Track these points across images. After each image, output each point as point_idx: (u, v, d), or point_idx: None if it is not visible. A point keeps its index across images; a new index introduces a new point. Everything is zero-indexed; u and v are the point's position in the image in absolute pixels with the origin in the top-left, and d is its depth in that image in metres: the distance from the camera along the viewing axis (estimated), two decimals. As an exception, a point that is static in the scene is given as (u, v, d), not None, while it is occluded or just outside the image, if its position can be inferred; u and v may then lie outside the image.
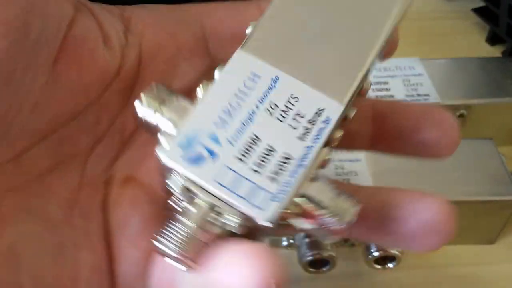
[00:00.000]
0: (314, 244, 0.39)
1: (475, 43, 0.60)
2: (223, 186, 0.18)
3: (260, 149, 0.19)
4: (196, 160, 0.19)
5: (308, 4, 0.21)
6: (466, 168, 0.41)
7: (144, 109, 0.21)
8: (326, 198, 0.19)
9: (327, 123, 0.19)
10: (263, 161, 0.19)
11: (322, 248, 0.39)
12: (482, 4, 0.59)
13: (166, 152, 0.19)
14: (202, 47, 0.24)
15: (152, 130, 0.21)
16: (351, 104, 0.20)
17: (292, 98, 0.20)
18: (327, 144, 0.20)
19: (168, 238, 0.19)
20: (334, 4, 0.22)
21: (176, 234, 0.19)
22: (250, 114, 0.19)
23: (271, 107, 0.20)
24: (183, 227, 0.19)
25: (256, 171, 0.19)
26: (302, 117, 0.19)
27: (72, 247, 0.20)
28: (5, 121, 0.19)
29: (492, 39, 0.59)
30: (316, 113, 0.20)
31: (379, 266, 0.40)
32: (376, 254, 0.39)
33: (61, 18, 0.20)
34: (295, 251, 0.40)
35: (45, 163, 0.21)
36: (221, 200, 0.18)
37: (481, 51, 0.58)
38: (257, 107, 0.20)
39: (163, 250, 0.18)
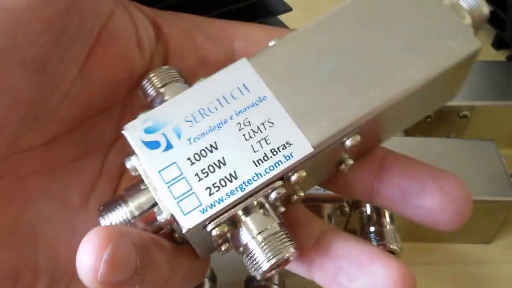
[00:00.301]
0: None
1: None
2: (163, 179, 0.19)
3: (212, 158, 0.19)
4: (152, 145, 0.19)
5: (339, 38, 0.20)
6: (467, 168, 0.42)
7: (147, 88, 0.21)
8: (263, 231, 0.19)
9: (288, 159, 0.19)
10: (210, 170, 0.19)
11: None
12: (489, 8, 0.59)
13: (131, 129, 0.19)
14: (228, 62, 0.23)
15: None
16: (328, 150, 0.20)
17: (267, 122, 0.19)
18: (283, 179, 0.19)
19: (109, 214, 0.20)
20: (368, 43, 0.20)
21: (116, 213, 0.20)
22: (221, 121, 0.19)
23: (243, 123, 0.19)
24: (125, 208, 0.20)
25: (199, 177, 0.19)
26: (267, 143, 0.19)
27: (85, 232, 0.21)
28: (36, 106, 0.19)
29: (498, 44, 0.59)
30: (282, 145, 0.19)
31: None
32: (375, 248, 0.39)
33: (98, 15, 0.20)
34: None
35: (72, 151, 0.22)
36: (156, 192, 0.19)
37: (486, 55, 0.59)
38: (231, 117, 0.19)
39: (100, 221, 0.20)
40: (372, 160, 0.22)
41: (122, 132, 0.20)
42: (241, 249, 0.19)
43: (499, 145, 0.44)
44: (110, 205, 0.20)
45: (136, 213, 0.20)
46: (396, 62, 0.20)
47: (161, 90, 0.21)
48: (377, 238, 0.39)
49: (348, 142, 0.20)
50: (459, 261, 0.43)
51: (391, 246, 0.39)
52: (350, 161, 0.21)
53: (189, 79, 0.22)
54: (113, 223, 0.20)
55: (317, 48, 0.20)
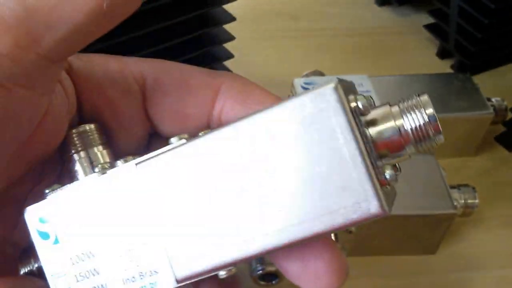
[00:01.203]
0: (263, 259, 0.41)
1: (426, 57, 0.62)
2: (49, 270, 0.20)
3: (89, 264, 0.20)
4: (44, 236, 0.20)
5: (235, 164, 0.18)
6: (408, 182, 0.43)
7: (68, 145, 0.22)
8: None
9: (151, 287, 0.19)
10: (86, 275, 0.20)
11: (271, 263, 0.40)
12: (433, 20, 0.61)
13: (30, 214, 0.21)
14: (141, 115, 0.23)
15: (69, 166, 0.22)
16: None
17: (142, 243, 0.19)
18: None
19: (22, 262, 0.22)
20: (265, 179, 0.18)
21: (26, 262, 0.22)
22: (111, 233, 0.20)
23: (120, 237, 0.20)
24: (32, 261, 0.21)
25: (77, 279, 0.20)
26: (137, 265, 0.19)
27: None
28: None
29: (442, 54, 0.61)
30: (149, 271, 0.19)
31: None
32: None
33: (35, 117, 0.20)
34: (247, 264, 0.42)
35: None
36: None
37: (432, 65, 0.61)
38: (112, 226, 0.20)
39: None
40: None
41: (24, 214, 0.21)
42: None
43: (439, 156, 0.45)
44: (24, 254, 0.22)
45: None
46: (280, 210, 0.18)
47: (78, 155, 0.22)
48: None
49: (222, 273, 0.19)
50: (406, 272, 0.44)
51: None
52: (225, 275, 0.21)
53: (107, 137, 0.23)
54: (25, 271, 0.21)
55: (211, 172, 0.18)
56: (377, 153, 0.18)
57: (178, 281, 0.19)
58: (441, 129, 0.17)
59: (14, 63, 0.18)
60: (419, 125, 0.17)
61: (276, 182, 0.17)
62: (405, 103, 0.18)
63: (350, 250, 0.43)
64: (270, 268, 0.40)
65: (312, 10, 0.69)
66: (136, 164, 0.19)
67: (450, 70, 0.60)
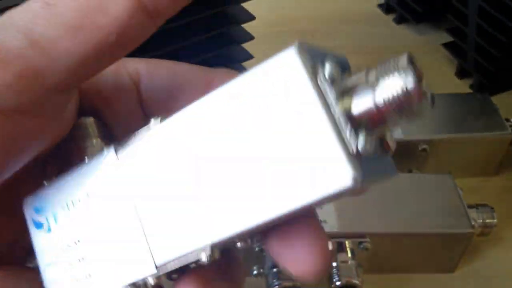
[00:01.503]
0: (281, 274, 0.41)
1: (445, 76, 0.62)
2: (43, 259, 0.21)
3: (77, 252, 0.20)
4: (38, 225, 0.21)
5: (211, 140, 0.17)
6: (426, 202, 0.43)
7: (71, 137, 0.22)
8: None
9: (133, 273, 0.19)
10: (74, 263, 0.20)
11: (288, 278, 0.41)
12: (452, 38, 0.61)
13: (27, 204, 0.21)
14: (138, 112, 0.23)
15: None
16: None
17: (124, 229, 0.19)
18: None
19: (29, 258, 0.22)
20: (238, 160, 0.16)
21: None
22: (95, 220, 0.20)
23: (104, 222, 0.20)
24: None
25: (66, 267, 0.20)
26: (120, 251, 0.19)
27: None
28: None
29: (461, 73, 0.61)
30: (130, 259, 0.19)
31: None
32: (338, 283, 0.41)
33: (46, 139, 0.20)
34: (264, 279, 0.43)
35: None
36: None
37: (450, 84, 0.61)
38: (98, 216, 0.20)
39: None
40: None
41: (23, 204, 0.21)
42: None
43: (457, 175, 0.45)
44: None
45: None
46: (255, 187, 0.16)
47: (77, 149, 0.22)
48: (338, 273, 0.40)
49: (203, 257, 0.18)
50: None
51: (353, 281, 0.40)
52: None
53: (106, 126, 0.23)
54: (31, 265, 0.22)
55: (183, 155, 0.18)
56: (354, 124, 0.15)
57: (157, 267, 0.19)
58: (426, 96, 0.15)
59: (18, 94, 0.18)
60: (398, 94, 0.15)
61: (246, 159, 0.16)
62: (382, 68, 0.15)
63: (367, 267, 0.43)
64: (287, 283, 0.41)
65: (330, 27, 0.69)
66: (116, 150, 0.20)
67: (469, 90, 0.60)
